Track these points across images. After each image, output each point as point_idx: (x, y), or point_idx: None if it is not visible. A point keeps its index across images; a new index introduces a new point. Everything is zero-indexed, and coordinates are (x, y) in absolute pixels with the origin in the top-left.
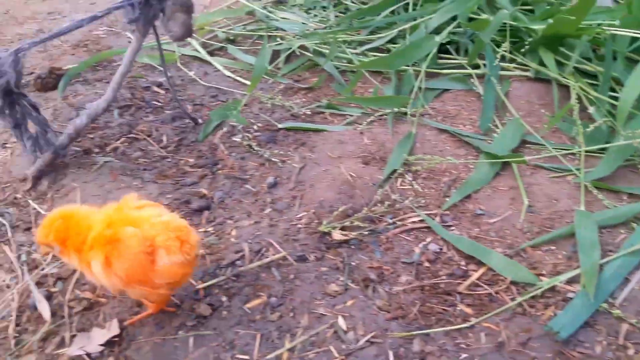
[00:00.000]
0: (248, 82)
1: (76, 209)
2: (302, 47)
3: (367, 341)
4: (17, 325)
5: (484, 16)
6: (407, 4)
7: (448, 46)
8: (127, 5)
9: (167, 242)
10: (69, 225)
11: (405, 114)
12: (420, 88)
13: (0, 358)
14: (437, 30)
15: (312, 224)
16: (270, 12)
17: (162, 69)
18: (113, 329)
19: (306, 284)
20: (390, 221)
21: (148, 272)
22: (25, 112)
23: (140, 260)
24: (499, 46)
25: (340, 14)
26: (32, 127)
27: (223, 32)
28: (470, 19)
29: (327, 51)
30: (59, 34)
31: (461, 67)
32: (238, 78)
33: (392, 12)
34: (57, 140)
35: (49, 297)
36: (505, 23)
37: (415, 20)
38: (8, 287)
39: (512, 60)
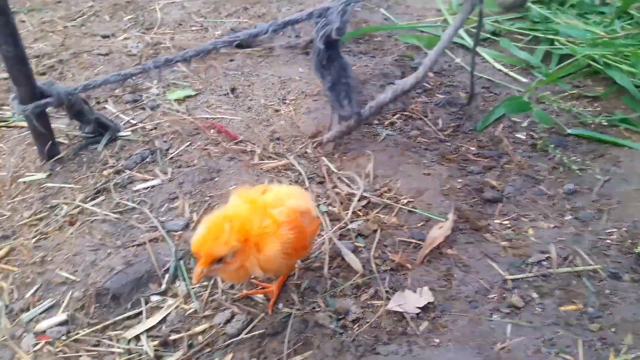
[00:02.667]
0: (521, 79)
1: (229, 212)
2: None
3: None
4: (329, 268)
5: None
6: None
7: None
8: None
9: (304, 208)
10: (244, 222)
11: None
12: None
13: (319, 294)
14: None
15: (625, 243)
16: (546, 12)
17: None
18: (426, 295)
19: (626, 304)
20: None
21: (306, 235)
22: (340, 73)
23: (301, 228)
24: None
25: (627, 25)
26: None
27: (491, 24)
28: None
29: (616, 62)
30: None
31: None
32: (511, 73)
33: None
34: (361, 111)
35: (353, 250)
36: None
37: None
38: None
39: None
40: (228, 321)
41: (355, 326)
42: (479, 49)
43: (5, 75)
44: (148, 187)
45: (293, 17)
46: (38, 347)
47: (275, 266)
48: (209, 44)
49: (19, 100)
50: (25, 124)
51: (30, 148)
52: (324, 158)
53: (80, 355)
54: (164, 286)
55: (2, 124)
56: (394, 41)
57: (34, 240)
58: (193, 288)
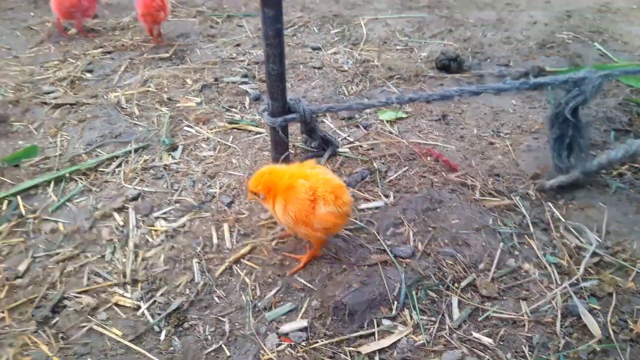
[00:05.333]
0: None
1: (276, 167)
2: None
3: None
4: (561, 326)
5: None
6: None
7: None
8: None
9: (325, 194)
10: (273, 177)
11: None
12: None
13: (551, 352)
14: None
15: None
16: None
17: None
18: None
19: None
20: None
21: (309, 215)
22: (572, 131)
23: (305, 205)
24: None
25: None
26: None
27: None
28: None
29: None
30: None
31: None
32: None
33: None
34: (586, 164)
35: (589, 311)
36: None
37: None
38: (541, 282)
39: None
40: None
41: None
42: None
43: (234, 78)
44: (372, 208)
45: (544, 80)
46: (281, 347)
47: (283, 220)
48: (453, 91)
49: (269, 113)
50: (253, 128)
51: (260, 152)
52: (548, 203)
53: None
54: (394, 312)
55: (233, 125)
56: (615, 82)
57: (273, 242)
58: (421, 319)
